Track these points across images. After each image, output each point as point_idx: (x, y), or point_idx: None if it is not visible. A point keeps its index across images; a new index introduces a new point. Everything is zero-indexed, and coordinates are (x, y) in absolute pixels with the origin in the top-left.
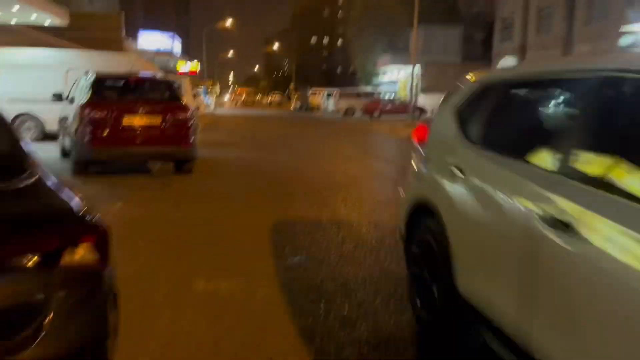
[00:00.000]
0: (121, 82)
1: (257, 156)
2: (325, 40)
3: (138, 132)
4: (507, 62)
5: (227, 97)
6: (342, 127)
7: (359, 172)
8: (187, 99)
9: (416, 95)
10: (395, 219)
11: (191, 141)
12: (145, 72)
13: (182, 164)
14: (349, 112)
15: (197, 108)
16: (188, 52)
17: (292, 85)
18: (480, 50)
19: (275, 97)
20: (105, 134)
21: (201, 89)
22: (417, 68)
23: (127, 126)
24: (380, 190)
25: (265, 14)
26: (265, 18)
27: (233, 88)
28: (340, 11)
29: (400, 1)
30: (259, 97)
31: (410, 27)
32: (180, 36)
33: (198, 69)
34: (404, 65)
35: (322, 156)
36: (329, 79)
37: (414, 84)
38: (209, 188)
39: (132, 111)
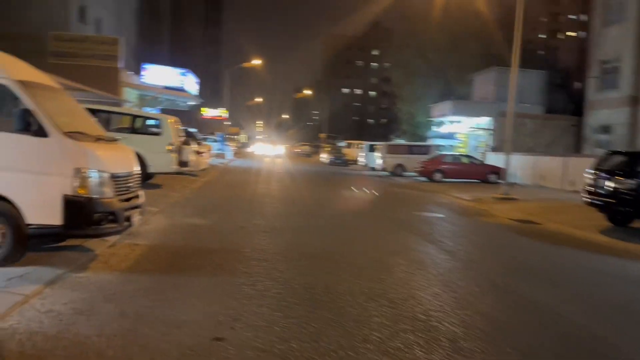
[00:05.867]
0: None
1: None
2: (358, 91)
3: None
4: None
5: (254, 146)
6: (400, 195)
7: None
8: (173, 141)
9: (504, 154)
10: None
11: None
12: None
13: None
14: (397, 170)
15: (200, 154)
16: (217, 99)
17: (323, 135)
18: (562, 101)
19: (304, 148)
20: None
21: (217, 136)
22: (489, 120)
23: None
24: None
25: (298, 66)
26: (297, 69)
27: (263, 137)
28: (372, 63)
29: (461, 41)
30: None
31: (474, 70)
32: (210, 82)
33: (227, 114)
34: (468, 116)
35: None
36: (359, 131)
37: (486, 140)
38: None
39: None
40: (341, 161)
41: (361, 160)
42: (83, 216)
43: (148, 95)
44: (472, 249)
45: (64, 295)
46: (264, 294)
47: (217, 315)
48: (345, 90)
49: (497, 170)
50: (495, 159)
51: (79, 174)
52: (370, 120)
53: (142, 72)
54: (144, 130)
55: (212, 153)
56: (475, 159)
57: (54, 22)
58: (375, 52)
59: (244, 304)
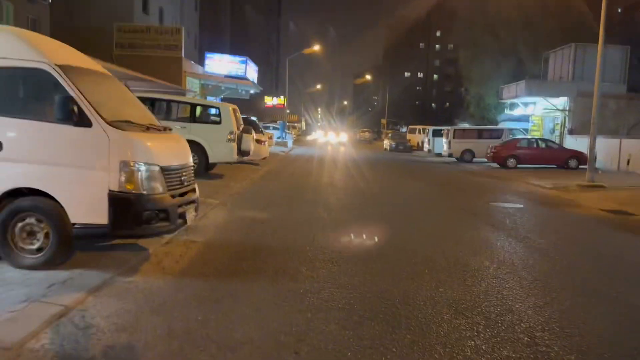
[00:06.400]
0: None
1: None
2: (420, 74)
3: None
4: None
5: (315, 134)
6: (472, 183)
7: None
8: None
9: (585, 137)
10: None
11: None
12: None
13: None
14: (465, 156)
15: (261, 142)
16: (277, 88)
17: (384, 121)
18: None
19: (365, 134)
20: None
21: (278, 124)
22: (565, 100)
23: None
24: None
25: (358, 51)
26: (358, 54)
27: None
28: (435, 45)
29: (534, 16)
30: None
31: (549, 47)
32: (270, 70)
33: (285, 102)
34: (544, 96)
35: None
36: (422, 116)
37: (563, 120)
38: None
39: None
40: (404, 147)
41: (425, 146)
42: (131, 214)
43: (210, 84)
44: (565, 246)
45: (107, 306)
46: (332, 306)
47: (278, 333)
48: (407, 74)
49: (577, 155)
50: (574, 142)
51: (126, 167)
52: (433, 105)
53: (204, 61)
54: (204, 120)
55: (273, 141)
56: (553, 142)
57: (118, 14)
58: (437, 34)
59: (308, 318)
